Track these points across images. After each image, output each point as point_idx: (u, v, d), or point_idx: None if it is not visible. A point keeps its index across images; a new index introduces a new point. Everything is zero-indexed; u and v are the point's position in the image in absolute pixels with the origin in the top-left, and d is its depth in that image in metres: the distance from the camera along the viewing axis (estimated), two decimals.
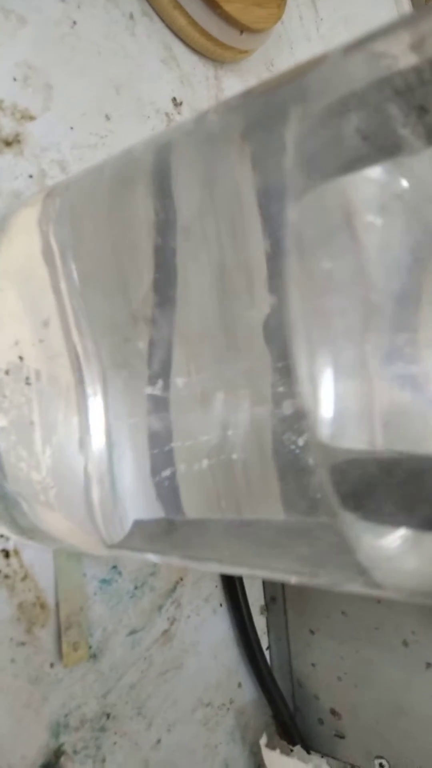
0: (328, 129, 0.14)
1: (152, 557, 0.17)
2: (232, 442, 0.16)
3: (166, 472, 0.17)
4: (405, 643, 0.26)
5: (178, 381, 0.16)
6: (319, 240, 0.15)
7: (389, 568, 0.13)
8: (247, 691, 0.30)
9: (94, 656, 0.23)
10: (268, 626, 0.31)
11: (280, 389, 0.15)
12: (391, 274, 0.18)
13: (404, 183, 0.17)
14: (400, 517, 0.15)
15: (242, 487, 0.16)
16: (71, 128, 0.24)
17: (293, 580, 0.15)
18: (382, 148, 0.15)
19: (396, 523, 0.14)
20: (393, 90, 0.14)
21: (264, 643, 0.31)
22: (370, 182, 0.16)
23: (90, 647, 0.23)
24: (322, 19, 0.40)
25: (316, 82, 0.14)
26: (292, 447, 0.15)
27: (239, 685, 0.30)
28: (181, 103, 0.29)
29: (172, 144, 0.17)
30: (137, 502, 0.18)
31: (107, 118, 0.26)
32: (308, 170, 0.15)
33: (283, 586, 0.31)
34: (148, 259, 0.17)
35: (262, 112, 0.15)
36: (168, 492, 0.17)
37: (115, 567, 0.24)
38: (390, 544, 0.14)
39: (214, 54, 0.30)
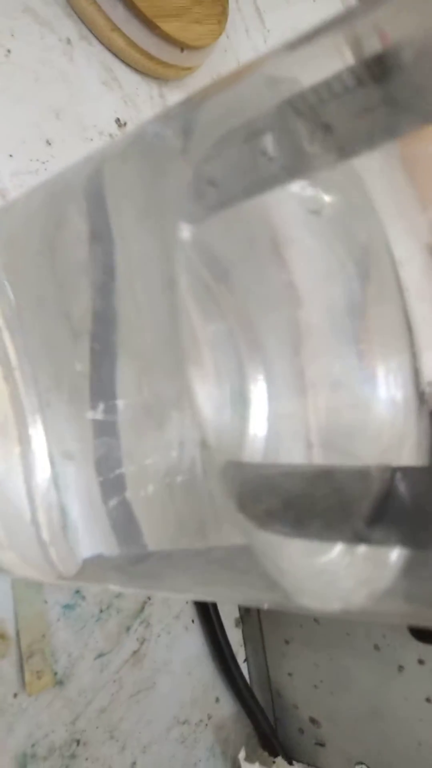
0: (231, 152, 0.14)
1: (112, 587, 0.17)
2: (178, 463, 0.16)
3: (117, 499, 0.17)
4: (377, 648, 0.26)
5: (123, 402, 0.16)
6: (240, 261, 0.15)
7: (319, 589, 0.13)
8: (225, 706, 0.30)
9: (60, 683, 0.23)
10: (244, 639, 0.31)
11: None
12: (323, 288, 0.18)
13: (324, 197, 0.18)
14: (328, 532, 0.15)
15: (193, 509, 0.16)
16: (10, 156, 0.24)
17: (264, 605, 0.15)
18: (291, 166, 0.15)
19: (322, 539, 0.14)
20: (295, 111, 0.14)
21: (241, 656, 0.31)
22: (288, 199, 0.17)
23: (55, 674, 0.23)
24: (269, 30, 0.41)
25: (219, 106, 0.15)
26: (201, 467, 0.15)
27: (217, 700, 0.29)
28: (125, 123, 0.29)
29: (100, 163, 0.17)
30: (89, 532, 0.17)
31: (48, 143, 0.26)
32: (218, 194, 0.15)
33: None
34: (86, 278, 0.17)
35: (162, 135, 0.15)
36: (121, 519, 0.17)
37: (78, 592, 0.24)
38: (318, 562, 0.14)
39: (157, 72, 0.31)
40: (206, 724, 0.29)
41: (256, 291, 0.16)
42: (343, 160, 0.16)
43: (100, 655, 0.24)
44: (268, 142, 0.15)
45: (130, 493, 0.17)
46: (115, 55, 0.30)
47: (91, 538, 0.17)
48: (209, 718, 0.29)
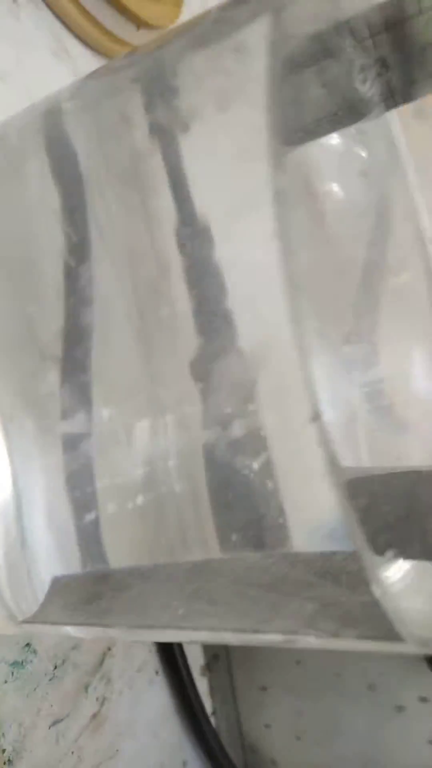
0: (288, 84, 0.12)
1: (73, 631, 0.13)
2: (163, 475, 0.13)
3: (89, 517, 0.13)
4: (371, 687, 0.23)
5: (100, 414, 0.13)
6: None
7: (396, 606, 0.10)
8: None
9: (9, 761, 0.18)
10: (211, 688, 0.27)
11: (228, 410, 0.12)
12: (351, 266, 0.15)
13: (363, 153, 0.15)
14: (402, 543, 0.12)
15: (177, 525, 0.13)
16: None
17: (276, 639, 0.12)
18: (345, 105, 0.13)
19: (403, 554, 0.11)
20: (353, 37, 0.12)
21: (208, 707, 0.27)
22: (332, 158, 0.14)
23: (3, 751, 0.18)
24: None
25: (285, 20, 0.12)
26: (245, 471, 0.12)
27: (184, 764, 0.25)
28: None
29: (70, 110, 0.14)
30: (54, 559, 0.14)
31: None
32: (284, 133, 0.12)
33: None
34: (55, 277, 0.13)
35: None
36: (90, 540, 0.13)
37: (28, 645, 0.19)
38: (394, 577, 0.11)
39: (110, 50, 0.28)
40: None
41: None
42: (396, 105, 0.14)
43: (56, 722, 0.20)
44: (324, 72, 0.12)
45: (101, 509, 0.13)
46: (65, 25, 0.26)
47: (54, 566, 0.14)
48: None
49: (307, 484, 0.11)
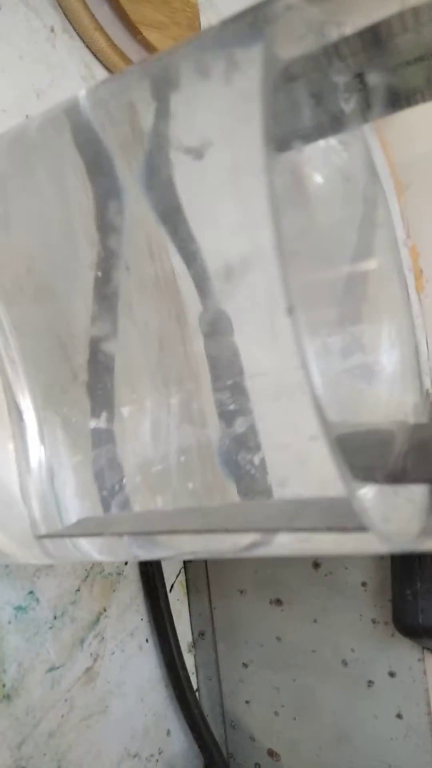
0: (282, 95, 0.14)
1: (88, 547, 0.15)
2: (186, 466, 0.15)
3: (115, 484, 0.15)
4: (344, 663, 0.25)
5: (124, 410, 0.16)
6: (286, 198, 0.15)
7: (371, 516, 0.12)
8: (176, 740, 0.27)
9: (7, 697, 0.20)
10: (196, 665, 0.29)
11: (232, 407, 0.15)
12: (339, 256, 0.18)
13: (347, 157, 0.18)
14: (370, 475, 0.14)
15: (187, 490, 0.15)
16: None
17: (249, 539, 0.14)
18: (330, 115, 0.15)
19: (367, 479, 0.14)
20: (337, 56, 0.15)
21: (193, 684, 0.28)
22: (319, 153, 0.17)
23: (3, 685, 0.20)
24: None
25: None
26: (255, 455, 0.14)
27: (168, 732, 0.27)
28: None
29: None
30: (79, 500, 0.16)
31: (28, 118, 0.25)
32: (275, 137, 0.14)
33: (212, 618, 0.29)
34: (85, 273, 0.16)
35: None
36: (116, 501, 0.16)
37: (32, 593, 0.21)
38: (365, 496, 0.13)
39: None
40: (157, 760, 0.26)
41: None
42: (371, 120, 0.16)
43: (52, 669, 0.22)
44: (314, 84, 0.15)
45: (128, 478, 0.16)
46: (95, 55, 0.30)
47: (80, 508, 0.16)
48: (160, 753, 0.26)
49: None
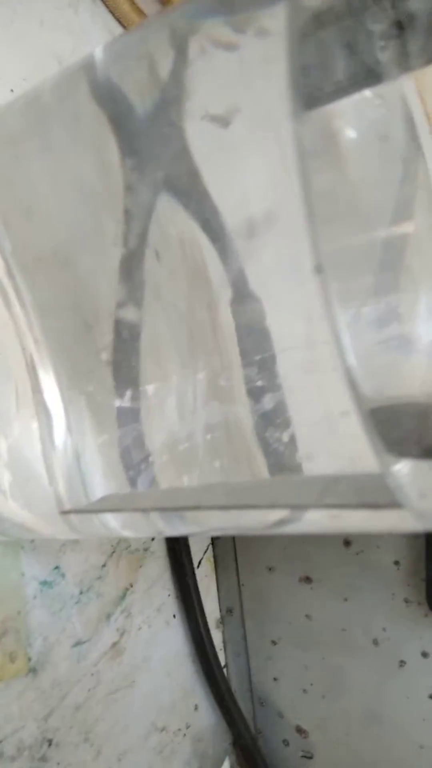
0: (311, 44, 0.13)
1: (114, 523, 0.15)
2: (213, 444, 0.15)
3: (140, 462, 0.15)
4: (375, 643, 0.25)
5: (149, 388, 0.15)
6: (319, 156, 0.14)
7: (406, 492, 0.11)
8: (204, 715, 0.27)
9: (33, 670, 0.20)
10: (224, 641, 0.29)
11: (260, 384, 0.14)
12: (376, 220, 0.17)
13: (384, 113, 0.17)
14: (407, 449, 0.13)
15: (215, 464, 0.15)
16: (11, 90, 0.23)
17: (278, 514, 0.14)
18: (364, 66, 0.14)
19: (403, 455, 0.13)
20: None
21: (220, 660, 0.28)
22: (354, 109, 0.16)
23: (29, 659, 0.20)
24: None
25: None
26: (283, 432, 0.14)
27: (195, 707, 0.27)
28: None
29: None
30: (104, 480, 0.16)
31: None
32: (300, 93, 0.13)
33: (240, 595, 0.28)
34: (110, 249, 0.15)
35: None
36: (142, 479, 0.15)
37: (57, 568, 0.21)
38: (400, 472, 0.12)
39: None
40: (184, 734, 0.26)
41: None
42: (410, 70, 0.15)
43: (78, 644, 0.22)
44: (348, 34, 0.14)
45: (154, 457, 0.15)
46: (118, 20, 0.29)
47: (105, 485, 0.16)
48: (187, 727, 0.26)
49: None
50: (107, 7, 0.28)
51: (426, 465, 0.13)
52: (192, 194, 0.13)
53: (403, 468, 0.12)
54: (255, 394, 0.15)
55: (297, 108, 0.12)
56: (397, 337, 0.17)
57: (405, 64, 0.14)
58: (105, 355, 0.15)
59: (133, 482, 0.15)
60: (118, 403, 0.15)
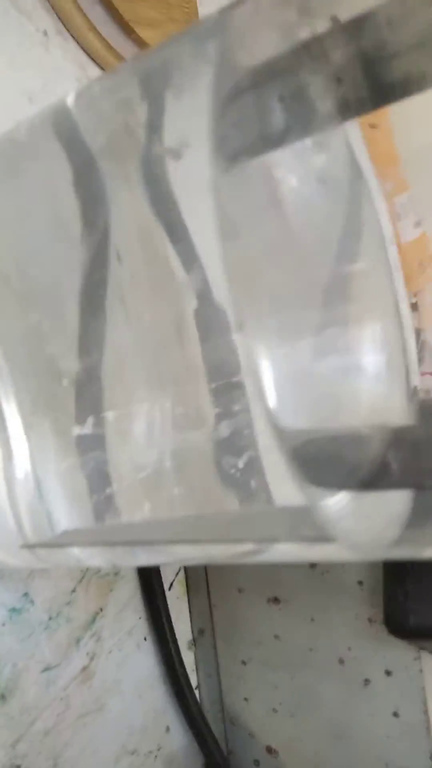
0: (247, 99, 0.14)
1: (80, 555, 0.15)
2: (173, 470, 0.15)
3: (103, 493, 0.16)
4: (341, 662, 0.25)
5: (111, 415, 0.16)
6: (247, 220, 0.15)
7: (339, 524, 0.12)
8: (175, 737, 0.27)
9: (2, 697, 0.20)
10: (196, 662, 0.29)
11: (218, 410, 0.15)
12: (319, 260, 0.18)
13: (323, 158, 0.18)
14: (345, 481, 0.14)
15: (178, 498, 0.15)
16: None
17: (245, 547, 0.14)
18: (302, 120, 0.15)
19: (339, 487, 0.14)
20: (309, 57, 0.14)
21: (193, 681, 0.29)
22: (291, 157, 0.16)
23: None
24: None
25: (234, 43, 0.14)
26: (239, 458, 0.14)
27: (167, 729, 0.27)
28: None
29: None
30: (67, 510, 0.16)
31: None
32: (232, 145, 0.14)
33: (212, 616, 0.29)
34: (69, 273, 0.16)
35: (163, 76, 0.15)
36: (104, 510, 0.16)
37: (26, 594, 0.22)
38: (338, 505, 0.13)
39: None
40: (156, 756, 0.26)
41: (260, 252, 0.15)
42: (351, 119, 0.16)
43: (47, 669, 0.22)
44: (283, 88, 0.15)
45: (119, 483, 0.16)
46: (89, 56, 0.30)
47: (69, 515, 0.16)
48: (159, 749, 0.26)
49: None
50: (77, 43, 0.29)
51: (364, 496, 0.13)
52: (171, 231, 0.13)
53: (341, 500, 0.13)
54: (221, 418, 0.15)
55: (217, 170, 0.13)
56: (339, 367, 0.18)
57: (345, 113, 0.15)
58: (69, 379, 0.16)
59: (98, 509, 0.16)
60: (81, 428, 0.16)
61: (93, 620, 0.24)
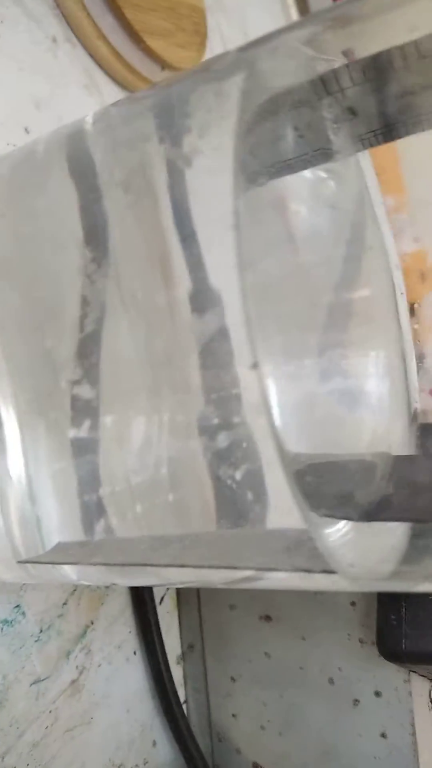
0: (265, 127, 0.14)
1: (69, 571, 0.15)
2: (167, 479, 0.15)
3: (95, 496, 0.15)
4: (331, 681, 0.25)
5: (107, 420, 0.15)
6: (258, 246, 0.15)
7: (337, 554, 0.12)
8: (162, 751, 0.27)
9: None
10: (185, 677, 0.29)
11: (216, 421, 0.14)
12: (324, 284, 0.18)
13: (333, 185, 0.18)
14: (344, 510, 0.14)
15: (174, 508, 0.15)
16: None
17: (242, 574, 0.14)
18: (316, 147, 0.15)
19: (340, 516, 0.14)
20: (325, 90, 0.14)
21: (181, 696, 0.28)
22: (304, 184, 0.16)
23: None
24: None
25: (257, 77, 0.14)
26: (236, 470, 0.14)
27: (154, 743, 0.27)
28: None
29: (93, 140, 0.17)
30: (60, 526, 0.16)
31: (26, 131, 0.25)
32: (249, 172, 0.14)
33: (202, 631, 0.29)
34: (71, 292, 0.16)
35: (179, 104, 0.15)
36: (95, 519, 0.15)
37: (18, 606, 0.21)
38: (336, 534, 0.13)
39: (134, 86, 0.31)
40: None
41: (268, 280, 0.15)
42: (363, 150, 0.16)
43: (37, 681, 0.22)
44: (298, 118, 0.15)
45: (111, 487, 0.15)
46: (97, 62, 0.30)
47: (60, 520, 0.16)
48: (145, 763, 0.26)
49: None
50: (87, 51, 0.29)
51: (364, 527, 0.13)
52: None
53: (341, 529, 0.13)
54: (213, 431, 0.15)
55: (239, 185, 0.13)
56: (342, 391, 0.18)
57: (357, 146, 0.15)
58: (65, 381, 0.16)
59: (88, 511, 0.15)
60: (75, 431, 0.16)
61: (83, 633, 0.24)
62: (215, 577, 0.14)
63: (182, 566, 0.13)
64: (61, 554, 0.14)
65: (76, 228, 0.16)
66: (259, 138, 0.14)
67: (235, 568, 0.13)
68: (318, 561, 0.12)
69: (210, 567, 0.14)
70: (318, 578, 0.12)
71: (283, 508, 0.13)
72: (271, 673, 0.27)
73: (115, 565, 0.14)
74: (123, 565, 0.14)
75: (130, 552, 0.14)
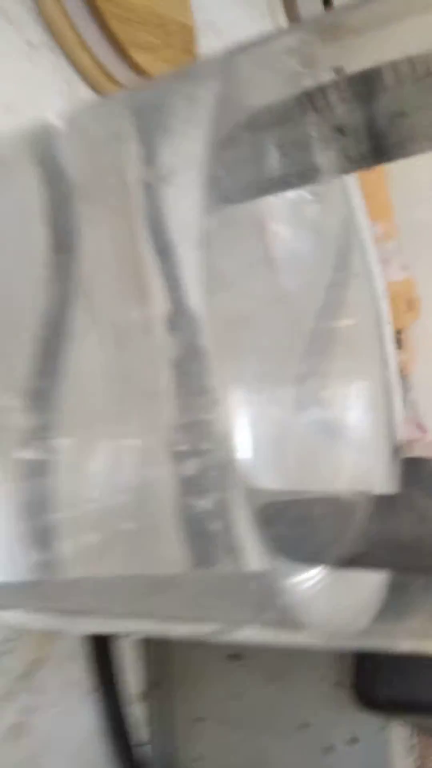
0: (245, 142, 0.13)
1: (9, 618, 0.14)
2: (129, 506, 0.14)
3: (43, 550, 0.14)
4: (303, 725, 0.24)
5: (65, 442, 0.14)
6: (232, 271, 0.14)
7: (309, 607, 0.11)
8: None
9: None
10: (150, 716, 0.27)
11: (184, 448, 0.13)
12: (306, 310, 0.17)
13: (318, 208, 0.17)
14: (319, 555, 0.13)
15: (138, 548, 0.14)
16: None
17: (207, 627, 0.13)
18: (300, 167, 0.14)
19: (314, 562, 0.12)
20: (312, 107, 0.14)
21: (143, 736, 0.27)
22: (285, 205, 0.15)
23: None
24: None
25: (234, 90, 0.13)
26: (204, 498, 0.13)
27: None
28: None
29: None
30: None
31: None
32: (224, 188, 0.13)
33: (168, 669, 0.27)
34: (31, 307, 0.15)
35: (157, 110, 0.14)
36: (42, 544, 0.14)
37: None
38: (308, 583, 0.12)
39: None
40: None
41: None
42: (350, 172, 0.15)
43: None
44: (282, 136, 0.14)
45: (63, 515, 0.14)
46: (79, 73, 0.29)
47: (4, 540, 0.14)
48: None
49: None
50: (67, 59, 0.28)
51: (340, 575, 0.12)
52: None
53: (314, 577, 0.12)
54: (183, 457, 0.14)
55: (212, 201, 0.12)
56: (320, 422, 0.16)
57: (345, 167, 0.14)
58: (14, 397, 0.14)
59: (33, 547, 0.14)
60: (22, 452, 0.14)
61: (30, 672, 0.22)
62: (178, 631, 0.13)
63: (141, 617, 0.12)
64: (3, 597, 0.13)
65: (39, 235, 0.14)
66: (237, 154, 0.13)
67: (199, 620, 0.12)
68: (288, 613, 0.11)
69: (173, 619, 0.12)
70: (286, 634, 0.11)
71: (248, 548, 0.12)
72: (239, 715, 0.25)
73: (64, 611, 0.13)
74: (73, 612, 0.13)
75: (81, 596, 0.13)
